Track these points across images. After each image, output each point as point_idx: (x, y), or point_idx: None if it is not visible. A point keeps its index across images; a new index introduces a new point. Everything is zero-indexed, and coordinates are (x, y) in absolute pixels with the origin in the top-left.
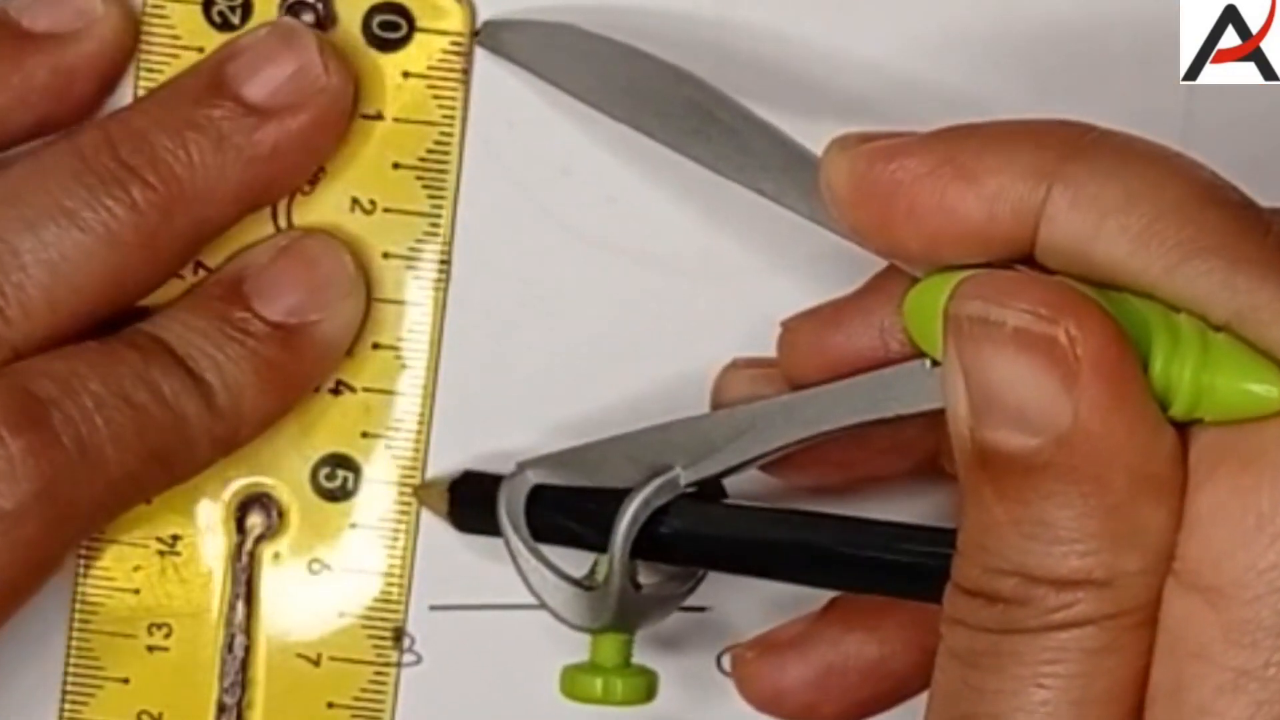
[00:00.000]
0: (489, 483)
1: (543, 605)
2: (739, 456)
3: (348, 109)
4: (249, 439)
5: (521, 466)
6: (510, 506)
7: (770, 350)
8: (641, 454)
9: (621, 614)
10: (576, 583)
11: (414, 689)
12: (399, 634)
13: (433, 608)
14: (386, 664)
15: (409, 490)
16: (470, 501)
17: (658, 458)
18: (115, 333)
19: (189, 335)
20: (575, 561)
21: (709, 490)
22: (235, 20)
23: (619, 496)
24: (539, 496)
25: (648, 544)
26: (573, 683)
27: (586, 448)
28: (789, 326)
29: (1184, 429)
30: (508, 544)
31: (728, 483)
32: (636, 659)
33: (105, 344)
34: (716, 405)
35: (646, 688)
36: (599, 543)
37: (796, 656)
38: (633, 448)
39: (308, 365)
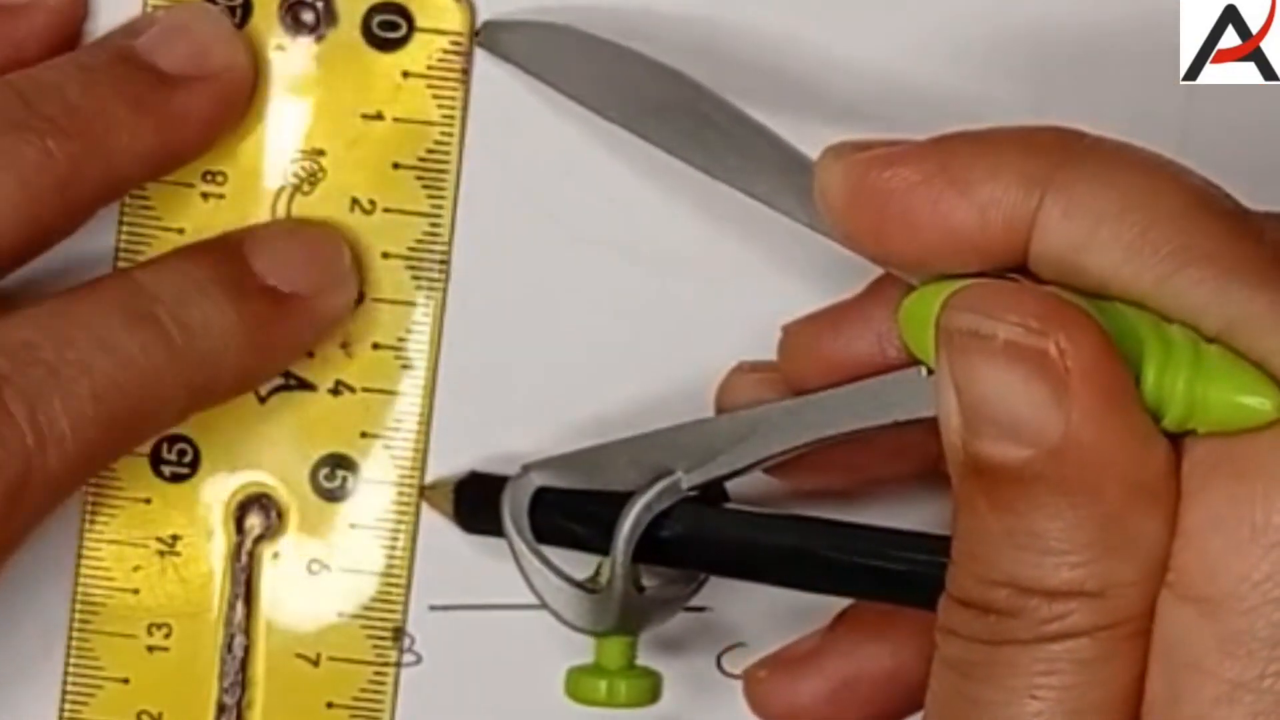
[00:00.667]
0: (494, 484)
1: (546, 607)
2: (740, 461)
3: (251, 86)
4: (226, 395)
5: (525, 469)
6: (514, 509)
7: (771, 352)
8: (644, 457)
9: (624, 616)
10: (580, 585)
11: (414, 689)
12: (398, 634)
13: (432, 608)
14: (386, 664)
15: (408, 490)
16: (475, 503)
17: (660, 461)
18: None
19: (180, 281)
20: (579, 564)
21: (711, 494)
22: (236, 20)
23: (621, 500)
24: (542, 499)
25: (650, 547)
26: (577, 685)
27: (590, 450)
28: (789, 331)
29: (1178, 440)
30: (511, 546)
31: (730, 484)
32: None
33: (62, 302)
34: (721, 408)
35: (651, 690)
36: (602, 545)
37: (810, 672)
38: (635, 451)
39: (294, 331)
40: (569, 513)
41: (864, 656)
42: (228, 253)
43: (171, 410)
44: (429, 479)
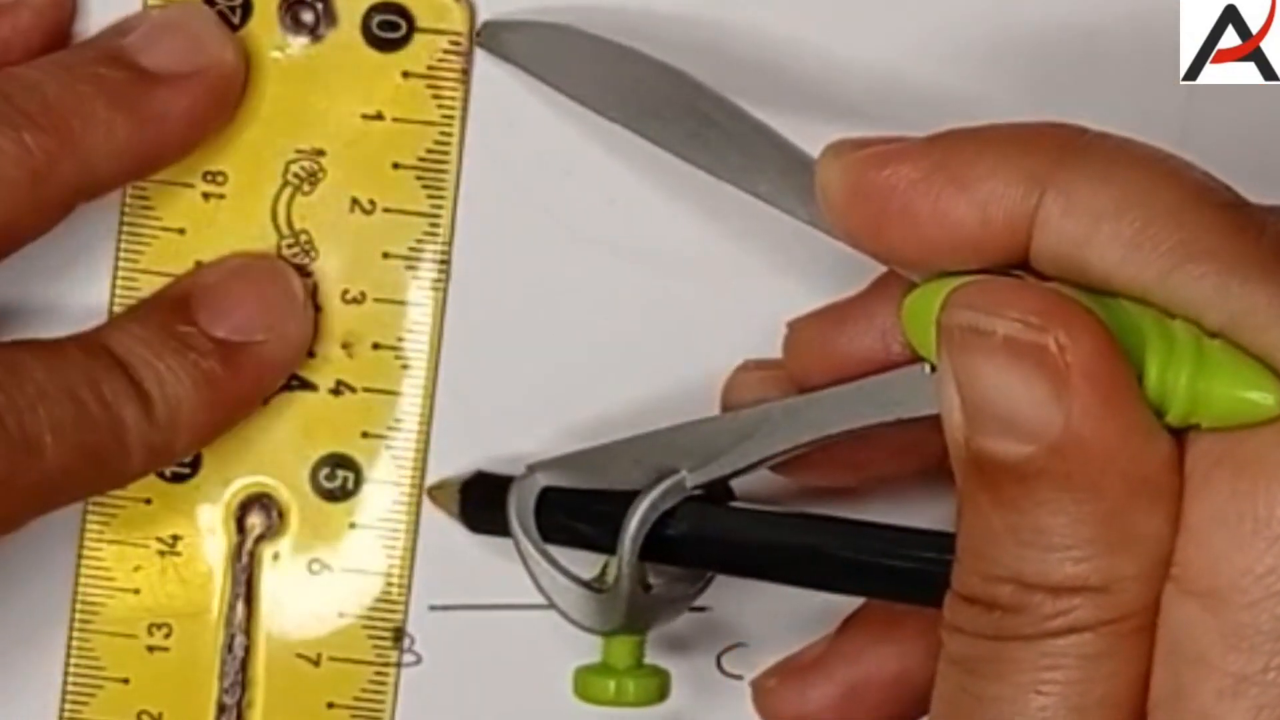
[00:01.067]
0: (500, 484)
1: (553, 607)
2: (744, 459)
3: (239, 85)
4: (184, 453)
5: (531, 469)
6: (520, 509)
7: (773, 352)
8: (648, 456)
9: (631, 615)
10: (587, 585)
11: (414, 689)
12: (399, 634)
13: (432, 608)
14: (386, 664)
15: (409, 490)
16: (481, 502)
17: (664, 460)
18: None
19: (132, 344)
20: (585, 564)
21: (716, 492)
22: (235, 20)
23: (627, 499)
24: (548, 499)
25: (656, 546)
26: (585, 684)
27: (594, 450)
28: (794, 328)
29: (1181, 435)
30: (518, 546)
31: (736, 481)
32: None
33: (51, 342)
34: (726, 407)
35: (659, 688)
36: (608, 545)
37: (819, 679)
38: (640, 450)
39: (248, 384)
40: (575, 512)
41: (871, 661)
42: (177, 311)
43: (133, 466)
44: (432, 479)
